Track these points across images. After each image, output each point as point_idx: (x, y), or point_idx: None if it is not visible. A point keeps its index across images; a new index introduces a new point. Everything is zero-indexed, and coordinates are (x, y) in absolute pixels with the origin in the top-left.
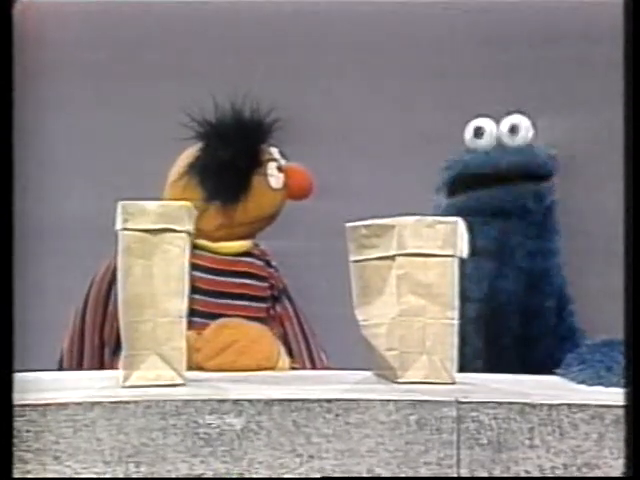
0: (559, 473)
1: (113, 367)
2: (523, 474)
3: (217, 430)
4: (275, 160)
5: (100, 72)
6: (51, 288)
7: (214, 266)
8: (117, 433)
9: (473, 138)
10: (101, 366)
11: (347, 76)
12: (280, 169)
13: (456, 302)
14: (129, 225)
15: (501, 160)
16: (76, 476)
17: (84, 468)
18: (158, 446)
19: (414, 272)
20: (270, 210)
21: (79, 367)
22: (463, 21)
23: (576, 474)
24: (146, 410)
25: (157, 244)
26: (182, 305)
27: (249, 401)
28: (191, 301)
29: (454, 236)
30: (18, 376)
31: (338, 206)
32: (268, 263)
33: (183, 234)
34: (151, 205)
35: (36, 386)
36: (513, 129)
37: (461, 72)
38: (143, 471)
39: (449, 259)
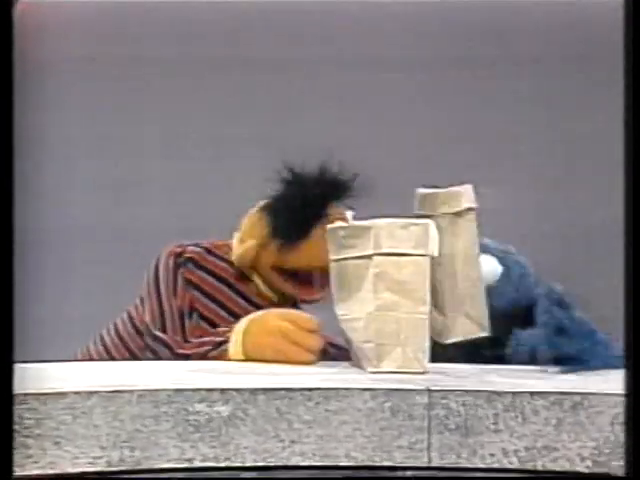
0: (521, 456)
1: (194, 333)
2: (488, 457)
3: (206, 417)
4: (343, 220)
5: (100, 71)
6: (51, 287)
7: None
8: (113, 420)
9: None
10: (183, 329)
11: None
12: None
13: (428, 298)
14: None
15: None
16: (74, 461)
17: (82, 453)
18: (151, 432)
19: (389, 270)
20: (319, 263)
21: (163, 331)
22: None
23: (537, 457)
24: (140, 399)
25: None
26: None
27: (236, 390)
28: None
29: (426, 237)
30: (19, 367)
31: None
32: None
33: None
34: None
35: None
36: None
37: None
38: (137, 455)
39: (421, 258)
